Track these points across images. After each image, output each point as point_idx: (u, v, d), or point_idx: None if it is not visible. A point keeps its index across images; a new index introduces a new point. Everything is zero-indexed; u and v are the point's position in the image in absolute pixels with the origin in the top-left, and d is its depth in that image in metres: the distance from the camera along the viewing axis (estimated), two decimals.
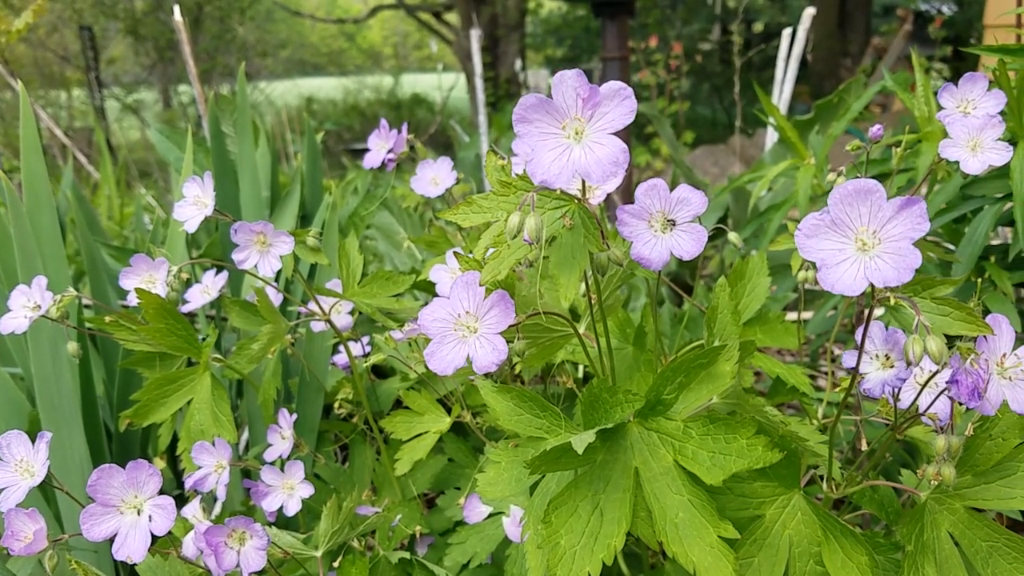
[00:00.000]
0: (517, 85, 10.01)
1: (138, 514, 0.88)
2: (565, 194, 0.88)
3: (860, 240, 0.72)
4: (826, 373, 2.11)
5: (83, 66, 12.19)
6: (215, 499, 1.39)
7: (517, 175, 0.93)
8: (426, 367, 1.50)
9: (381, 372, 2.06)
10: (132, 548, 0.86)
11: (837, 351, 2.21)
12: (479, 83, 4.00)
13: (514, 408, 1.12)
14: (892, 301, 0.73)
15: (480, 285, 0.87)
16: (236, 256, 1.23)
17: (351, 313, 1.53)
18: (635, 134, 9.19)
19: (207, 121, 2.13)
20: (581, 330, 1.28)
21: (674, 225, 0.95)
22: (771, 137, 4.10)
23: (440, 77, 12.32)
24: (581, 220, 0.87)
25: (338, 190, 1.97)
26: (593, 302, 1.08)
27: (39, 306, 1.25)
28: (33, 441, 1.00)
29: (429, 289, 1.62)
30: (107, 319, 1.38)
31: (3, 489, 0.99)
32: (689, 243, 0.95)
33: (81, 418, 1.53)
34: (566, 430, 1.06)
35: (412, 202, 1.93)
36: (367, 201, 2.28)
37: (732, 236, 1.37)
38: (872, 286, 0.71)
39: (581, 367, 1.76)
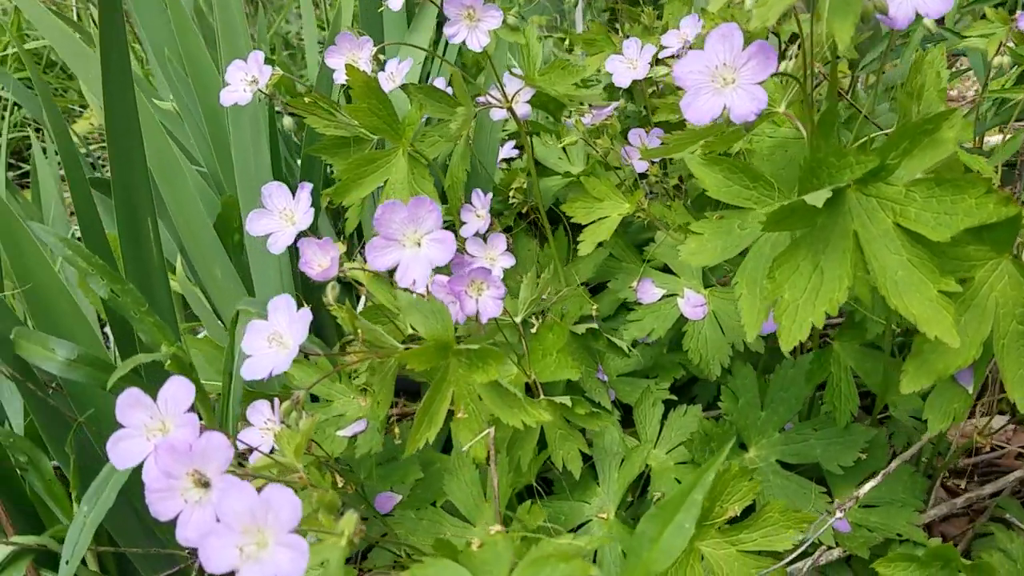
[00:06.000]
0: None
1: (418, 246, 0.96)
2: None
3: None
4: None
5: None
6: None
7: None
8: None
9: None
10: (415, 274, 0.94)
11: None
12: None
13: (723, 180, 1.16)
14: None
15: (750, 30, 0.89)
16: (448, 30, 1.25)
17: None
18: None
19: None
20: (781, 109, 1.29)
21: None
22: None
23: None
24: None
25: None
26: (820, 71, 1.10)
27: (256, 80, 1.31)
28: (293, 193, 1.08)
29: None
30: (306, 99, 1.44)
31: (271, 235, 1.07)
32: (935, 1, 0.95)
33: None
34: (778, 200, 1.10)
35: None
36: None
37: (927, 20, 1.36)
38: None
39: None
